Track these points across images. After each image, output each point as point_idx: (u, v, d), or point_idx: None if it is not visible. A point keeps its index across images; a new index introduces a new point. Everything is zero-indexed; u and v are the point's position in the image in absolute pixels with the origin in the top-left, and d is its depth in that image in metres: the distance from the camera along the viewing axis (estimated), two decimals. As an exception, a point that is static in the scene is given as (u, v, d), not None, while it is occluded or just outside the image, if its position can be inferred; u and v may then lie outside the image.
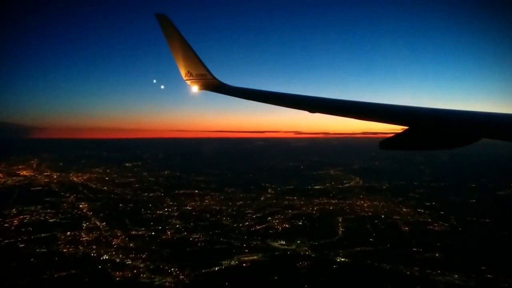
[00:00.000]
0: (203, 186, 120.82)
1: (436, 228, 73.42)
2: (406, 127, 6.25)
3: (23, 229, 68.85)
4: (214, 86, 10.92)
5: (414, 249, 61.18)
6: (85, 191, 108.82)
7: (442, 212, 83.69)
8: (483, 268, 52.32)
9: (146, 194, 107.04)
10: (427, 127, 6.36)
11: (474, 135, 5.93)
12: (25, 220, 74.78)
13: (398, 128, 6.41)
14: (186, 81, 11.00)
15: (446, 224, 75.27)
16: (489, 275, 50.37)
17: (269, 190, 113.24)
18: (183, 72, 10.92)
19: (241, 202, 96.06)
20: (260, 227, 74.45)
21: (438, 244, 63.27)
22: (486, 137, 5.38)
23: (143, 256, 57.30)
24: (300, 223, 77.79)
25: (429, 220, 78.75)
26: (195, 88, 11.02)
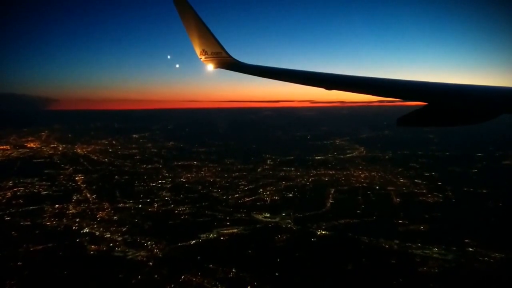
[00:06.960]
0: (203, 157, 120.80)
1: (429, 200, 71.29)
2: (425, 103, 6.24)
3: (13, 202, 69.97)
4: (229, 64, 10.96)
5: (400, 221, 59.56)
6: (85, 163, 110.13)
7: (439, 183, 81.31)
8: (467, 241, 50.55)
9: (144, 165, 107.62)
10: (446, 103, 6.36)
11: (494, 110, 5.92)
12: (18, 193, 75.96)
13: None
14: (201, 59, 11.06)
15: (440, 195, 72.95)
16: (470, 249, 48.60)
17: (268, 161, 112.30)
18: (198, 50, 10.97)
19: (237, 174, 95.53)
20: (249, 199, 73.70)
21: (426, 216, 61.41)
22: (507, 112, 5.33)
23: (123, 229, 57.32)
24: (290, 195, 76.76)
25: (424, 191, 76.57)
26: (210, 67, 11.06)
